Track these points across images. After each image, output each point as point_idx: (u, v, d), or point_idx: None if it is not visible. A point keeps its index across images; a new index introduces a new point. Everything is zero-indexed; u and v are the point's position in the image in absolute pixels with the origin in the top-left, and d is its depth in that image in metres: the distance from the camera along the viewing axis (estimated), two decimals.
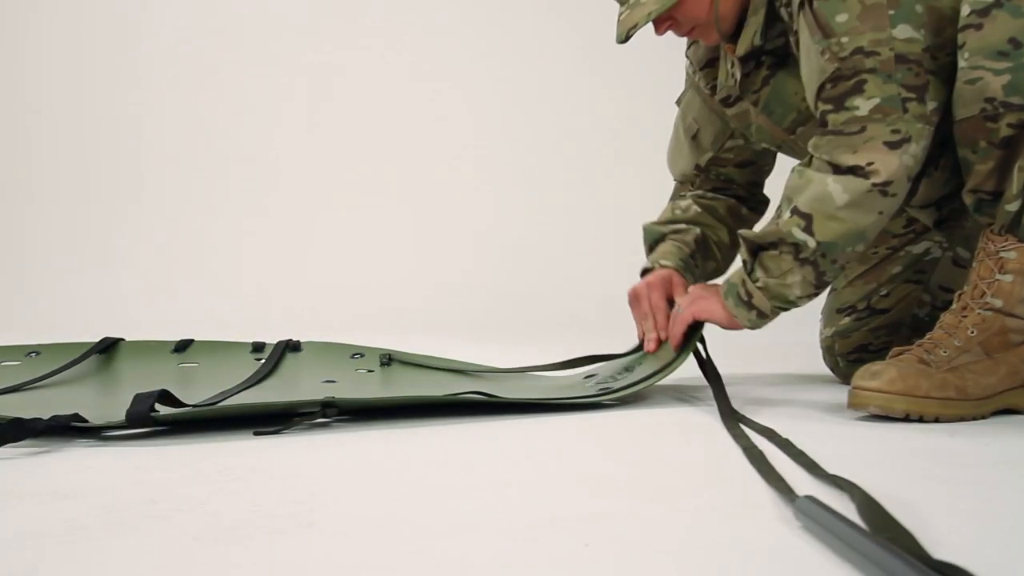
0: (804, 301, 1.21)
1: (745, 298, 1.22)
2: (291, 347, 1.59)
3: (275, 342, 1.61)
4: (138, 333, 1.76)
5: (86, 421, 0.99)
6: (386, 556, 0.61)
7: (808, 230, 1.16)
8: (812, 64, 1.19)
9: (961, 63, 1.11)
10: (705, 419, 1.13)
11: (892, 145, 1.13)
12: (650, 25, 1.29)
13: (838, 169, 1.15)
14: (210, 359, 1.57)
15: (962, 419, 1.09)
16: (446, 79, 3.57)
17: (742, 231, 1.24)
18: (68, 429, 1.00)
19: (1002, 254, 1.11)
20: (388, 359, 1.55)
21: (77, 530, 0.66)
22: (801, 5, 1.19)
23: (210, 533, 0.65)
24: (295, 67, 3.57)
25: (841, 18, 1.14)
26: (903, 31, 1.13)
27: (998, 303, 1.10)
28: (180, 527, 0.67)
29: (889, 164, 1.13)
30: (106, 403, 1.18)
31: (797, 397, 1.33)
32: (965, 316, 1.11)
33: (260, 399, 1.25)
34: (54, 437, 1.01)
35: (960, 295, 1.14)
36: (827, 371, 1.55)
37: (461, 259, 3.36)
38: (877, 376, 1.08)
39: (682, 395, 1.35)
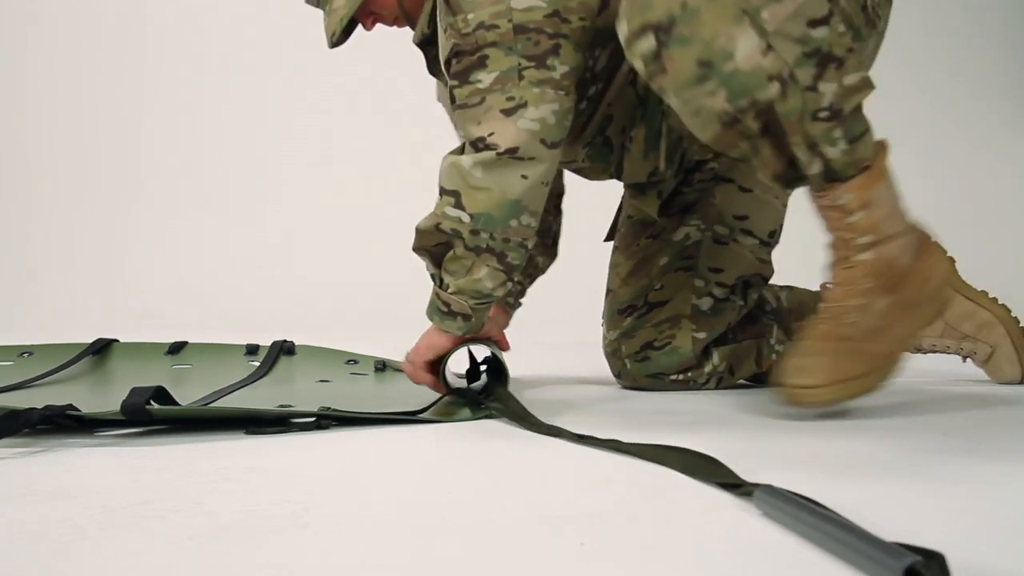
0: (501, 290, 1.22)
1: (445, 309, 1.22)
2: (286, 350, 1.59)
3: (269, 344, 1.60)
4: (131, 334, 1.76)
5: (79, 411, 0.99)
6: (383, 556, 0.61)
7: (459, 205, 1.17)
8: (442, 42, 1.21)
9: (674, 104, 1.08)
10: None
11: (507, 112, 1.15)
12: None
13: (471, 143, 1.17)
14: (204, 361, 1.57)
15: (893, 376, 1.10)
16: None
17: (414, 243, 1.23)
18: (62, 424, 1.00)
19: (839, 202, 1.09)
20: (382, 365, 1.55)
21: (72, 530, 0.66)
22: None
23: (205, 533, 0.65)
24: (292, 68, 3.57)
25: None
26: (522, 0, 1.15)
27: (868, 238, 1.09)
28: (175, 527, 0.67)
29: (506, 131, 1.15)
30: (100, 402, 1.18)
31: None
32: (852, 267, 1.09)
33: (254, 399, 1.25)
34: (48, 434, 1.01)
35: (832, 247, 1.12)
36: None
37: None
38: (808, 372, 1.06)
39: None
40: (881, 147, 1.12)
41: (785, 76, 1.02)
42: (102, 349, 1.57)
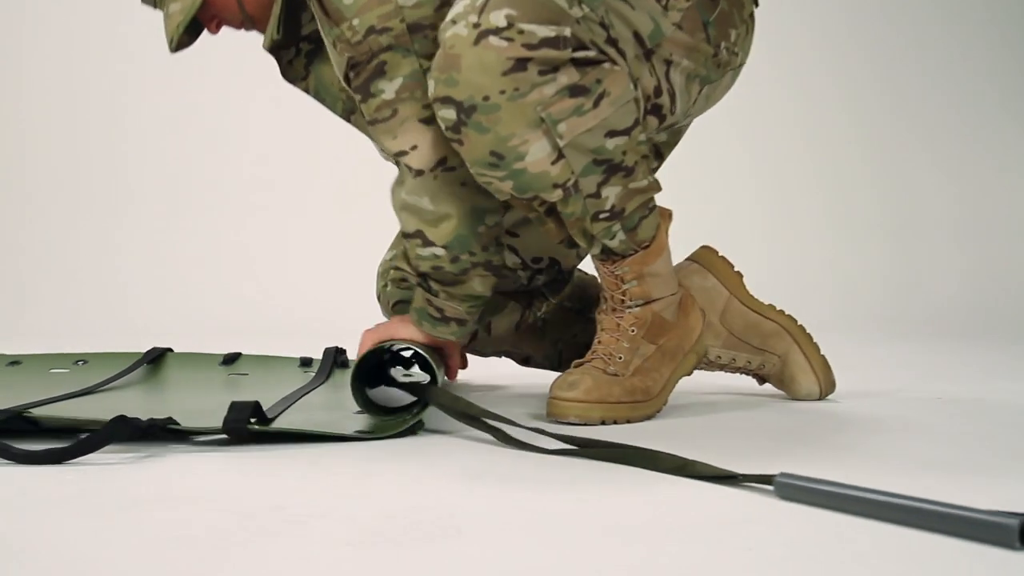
0: (491, 289, 1.21)
1: (438, 315, 1.20)
2: (340, 363, 1.57)
3: (321, 355, 1.59)
4: (152, 340, 1.75)
5: (179, 425, 0.99)
6: (525, 563, 0.61)
7: (427, 243, 1.15)
8: (333, 57, 1.15)
9: (470, 169, 1.10)
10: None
11: (427, 121, 1.12)
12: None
13: (393, 156, 1.14)
14: (258, 371, 1.57)
15: (648, 417, 1.17)
16: None
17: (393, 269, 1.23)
18: (163, 432, 0.99)
19: (617, 272, 1.17)
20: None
21: (222, 535, 0.66)
22: None
23: (360, 539, 0.65)
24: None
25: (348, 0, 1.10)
26: None
27: (640, 301, 1.18)
28: (323, 532, 0.67)
29: (428, 142, 1.12)
30: (158, 410, 1.16)
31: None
32: (621, 316, 1.18)
33: (328, 403, 1.25)
34: (140, 440, 1.00)
35: (604, 298, 1.20)
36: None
37: None
38: (575, 387, 1.14)
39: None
40: (664, 218, 1.19)
41: (569, 185, 1.08)
42: (157, 358, 1.57)
